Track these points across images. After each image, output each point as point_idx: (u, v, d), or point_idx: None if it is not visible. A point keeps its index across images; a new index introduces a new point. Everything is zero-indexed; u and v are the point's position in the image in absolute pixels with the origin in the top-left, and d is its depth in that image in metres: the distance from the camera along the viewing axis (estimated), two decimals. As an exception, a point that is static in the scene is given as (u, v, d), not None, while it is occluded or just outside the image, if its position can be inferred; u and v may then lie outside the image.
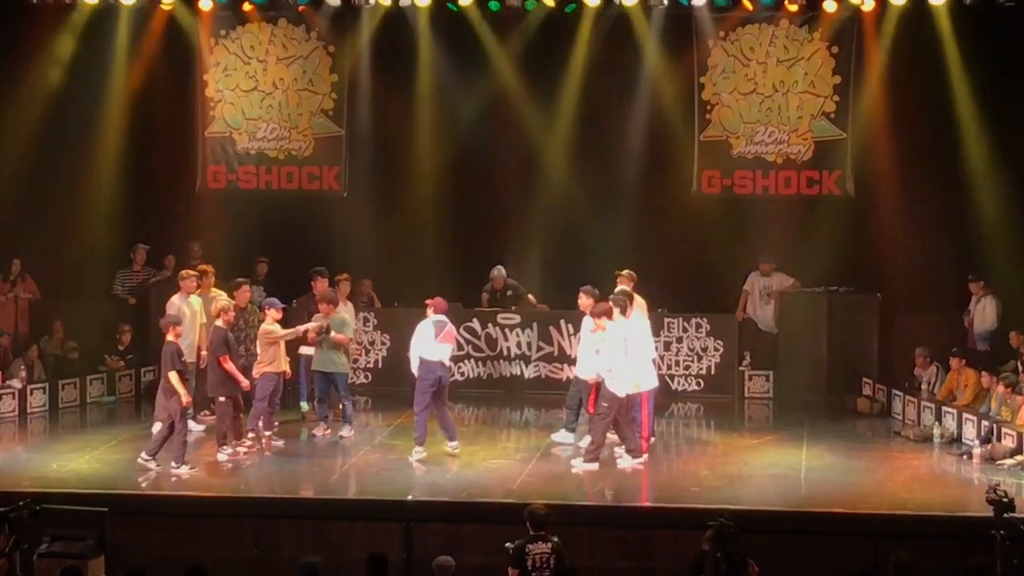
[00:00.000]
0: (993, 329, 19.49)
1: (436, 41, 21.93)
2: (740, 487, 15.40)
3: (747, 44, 21.71)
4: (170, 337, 16.13)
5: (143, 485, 15.52)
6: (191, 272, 18.37)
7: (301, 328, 17.70)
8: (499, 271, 21.13)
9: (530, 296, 21.04)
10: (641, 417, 16.54)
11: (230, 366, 16.47)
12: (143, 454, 16.02)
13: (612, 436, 16.65)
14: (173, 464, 15.88)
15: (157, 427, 17.08)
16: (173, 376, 15.90)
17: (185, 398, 15.99)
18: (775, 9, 21.39)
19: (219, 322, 16.62)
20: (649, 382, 16.68)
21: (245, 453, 16.63)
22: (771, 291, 21.14)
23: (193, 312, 17.94)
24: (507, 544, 12.29)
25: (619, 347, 16.11)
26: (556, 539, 12.24)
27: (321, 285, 18.60)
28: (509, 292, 21.06)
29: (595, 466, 16.05)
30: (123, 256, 21.47)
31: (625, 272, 17.96)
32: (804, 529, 14.00)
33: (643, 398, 16.58)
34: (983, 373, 17.96)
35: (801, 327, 20.69)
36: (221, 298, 17.37)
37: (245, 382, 16.66)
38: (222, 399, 16.56)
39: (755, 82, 21.74)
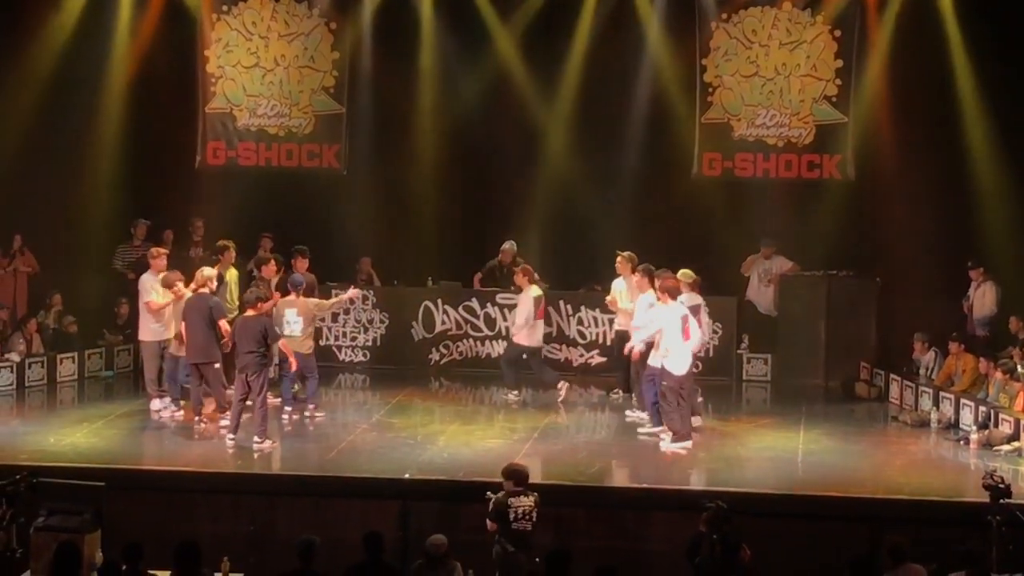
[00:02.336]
0: (992, 315, 19.47)
1: (438, 19, 21.92)
2: (737, 470, 15.41)
3: (749, 27, 21.68)
4: (250, 312, 16.18)
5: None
6: (161, 250, 18.34)
7: (345, 296, 17.86)
8: (511, 245, 21.01)
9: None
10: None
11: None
12: (228, 435, 16.13)
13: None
14: (256, 439, 15.91)
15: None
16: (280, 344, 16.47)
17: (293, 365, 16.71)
18: (778, -8, 21.46)
19: (205, 290, 16.83)
20: None
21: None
22: (771, 274, 21.15)
23: (151, 288, 17.90)
24: (488, 493, 12.69)
25: (677, 327, 16.11)
26: (536, 494, 12.70)
27: (301, 265, 18.65)
28: (517, 269, 21.02)
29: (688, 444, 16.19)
30: (122, 231, 21.43)
31: (626, 254, 17.99)
32: (800, 513, 13.99)
33: None
34: (981, 359, 17.95)
35: (800, 311, 20.67)
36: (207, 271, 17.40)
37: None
38: (216, 365, 16.61)
39: (757, 65, 21.72)
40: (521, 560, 12.35)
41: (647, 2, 21.54)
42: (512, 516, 12.55)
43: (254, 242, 20.39)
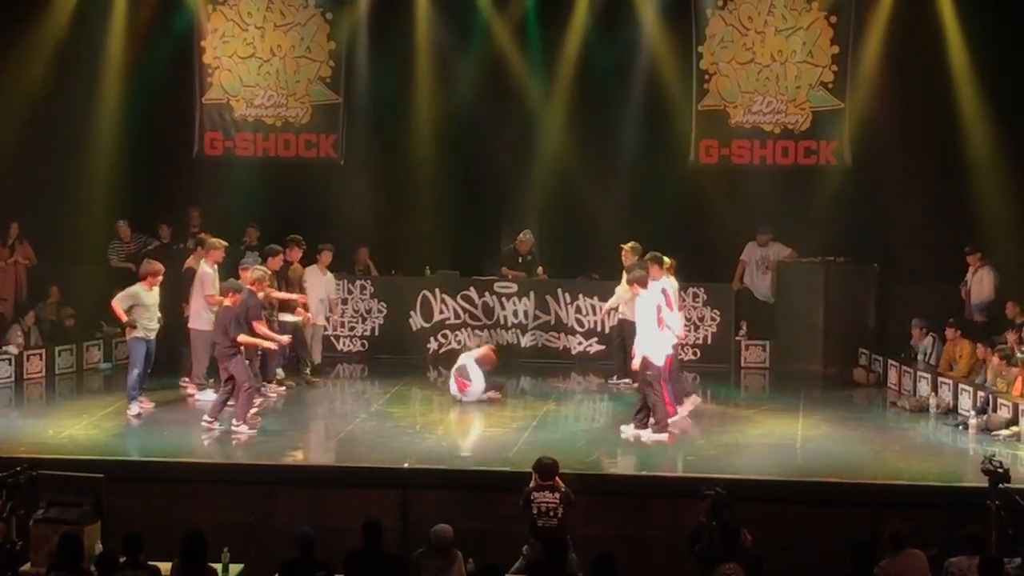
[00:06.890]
0: (990, 300, 19.44)
1: (434, 8, 21.92)
2: (736, 456, 15.41)
3: (746, 13, 21.65)
4: (228, 303, 16.23)
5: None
6: (222, 241, 18.20)
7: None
8: (528, 235, 21.19)
9: (541, 269, 21.05)
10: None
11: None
12: (205, 416, 16.23)
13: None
14: (235, 423, 16.00)
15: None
16: (243, 337, 16.18)
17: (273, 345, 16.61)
18: (774, -22, 21.42)
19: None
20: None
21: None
22: (768, 261, 21.16)
23: (212, 281, 17.86)
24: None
25: (652, 316, 16.05)
26: (565, 489, 12.58)
27: (295, 255, 18.67)
28: (530, 258, 21.08)
29: (664, 436, 16.00)
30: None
31: (630, 245, 18.01)
32: (800, 499, 14.00)
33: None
34: (978, 344, 17.96)
35: (798, 297, 20.70)
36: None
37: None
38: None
39: (753, 52, 21.70)
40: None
41: (643, -12, 21.57)
42: (535, 511, 12.48)
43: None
